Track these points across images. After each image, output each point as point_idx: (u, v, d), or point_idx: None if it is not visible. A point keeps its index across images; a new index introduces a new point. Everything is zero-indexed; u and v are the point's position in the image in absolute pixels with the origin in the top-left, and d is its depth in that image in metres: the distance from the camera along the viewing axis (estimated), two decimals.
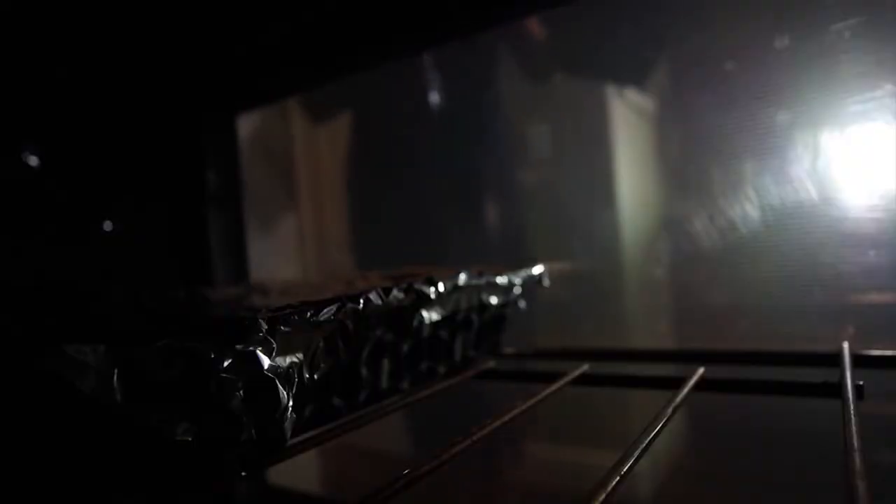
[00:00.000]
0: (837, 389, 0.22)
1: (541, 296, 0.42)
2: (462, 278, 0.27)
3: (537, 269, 0.34)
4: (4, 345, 0.19)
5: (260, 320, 0.17)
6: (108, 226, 0.49)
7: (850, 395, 0.21)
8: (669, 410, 0.21)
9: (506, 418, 0.22)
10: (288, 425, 0.17)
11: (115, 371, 0.15)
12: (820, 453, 0.33)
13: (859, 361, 0.25)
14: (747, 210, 0.41)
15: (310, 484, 0.61)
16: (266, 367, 0.16)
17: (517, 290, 0.32)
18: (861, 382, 0.23)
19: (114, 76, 0.49)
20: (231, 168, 0.61)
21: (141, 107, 0.52)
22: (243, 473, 0.16)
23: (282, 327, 0.17)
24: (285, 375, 0.17)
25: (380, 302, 0.22)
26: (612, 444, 0.46)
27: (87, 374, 0.16)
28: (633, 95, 0.52)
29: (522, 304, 0.35)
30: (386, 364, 0.25)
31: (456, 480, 0.50)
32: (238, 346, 0.16)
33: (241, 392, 0.16)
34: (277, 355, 0.17)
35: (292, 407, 0.17)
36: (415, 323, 0.25)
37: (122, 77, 0.49)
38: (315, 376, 0.19)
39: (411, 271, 0.34)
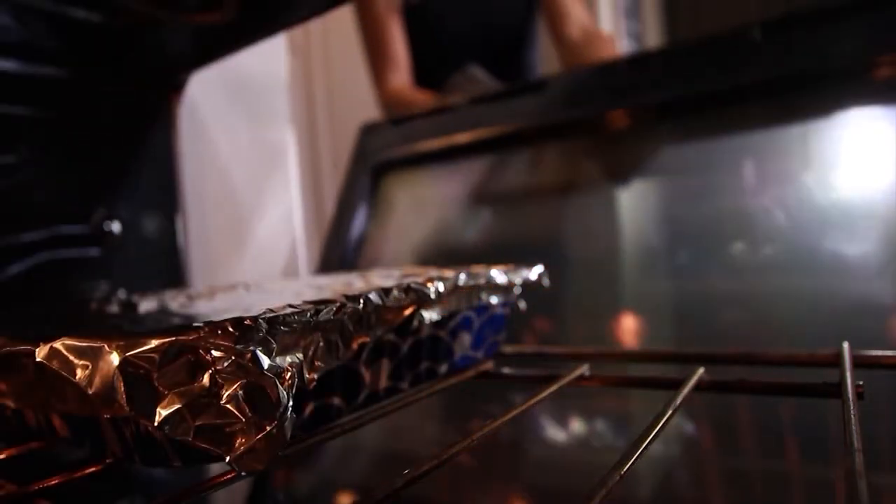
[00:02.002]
0: (837, 390, 0.22)
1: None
2: (462, 278, 0.27)
3: (537, 270, 0.34)
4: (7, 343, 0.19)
5: (260, 320, 0.17)
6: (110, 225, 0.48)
7: (850, 395, 0.21)
8: (669, 411, 0.21)
9: (505, 418, 0.22)
10: (288, 425, 0.17)
11: (115, 371, 0.15)
12: (820, 453, 0.33)
13: (860, 362, 0.25)
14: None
15: (310, 484, 0.61)
16: (266, 367, 0.16)
17: (517, 290, 0.32)
18: (861, 383, 0.23)
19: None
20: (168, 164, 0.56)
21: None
22: (243, 473, 0.16)
23: (282, 327, 0.17)
24: (284, 375, 0.17)
25: (380, 302, 0.22)
26: (611, 444, 0.46)
27: (88, 374, 0.16)
28: None
29: (522, 304, 0.35)
30: (386, 364, 0.25)
31: (455, 481, 0.50)
32: (238, 346, 0.16)
33: (241, 392, 0.16)
34: (277, 355, 0.17)
35: (292, 407, 0.17)
36: (415, 323, 0.25)
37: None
38: (315, 376, 0.19)
39: (411, 271, 0.34)
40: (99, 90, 0.48)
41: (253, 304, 0.29)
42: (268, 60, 0.74)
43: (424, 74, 0.87)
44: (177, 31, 0.46)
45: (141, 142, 0.53)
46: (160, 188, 0.55)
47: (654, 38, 2.35)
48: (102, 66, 0.48)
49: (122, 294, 0.36)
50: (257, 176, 0.72)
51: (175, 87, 0.55)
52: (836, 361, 0.25)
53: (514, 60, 0.94)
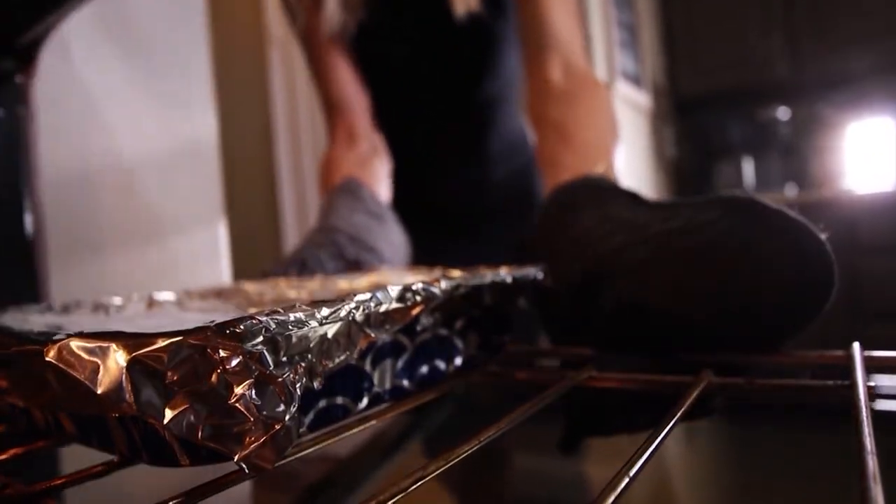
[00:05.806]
0: (849, 391, 0.22)
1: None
2: (468, 278, 0.27)
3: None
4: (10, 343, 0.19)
5: (268, 320, 0.17)
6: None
7: (861, 397, 0.21)
8: (677, 414, 0.21)
9: (510, 421, 0.22)
10: (295, 425, 0.17)
11: (124, 370, 0.15)
12: (832, 456, 0.32)
13: (871, 362, 0.25)
14: None
15: (314, 484, 0.61)
16: (273, 366, 0.16)
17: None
18: (873, 384, 0.22)
19: None
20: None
21: None
22: (247, 473, 0.16)
23: (289, 327, 0.17)
24: (291, 375, 0.17)
25: (387, 302, 0.22)
26: (617, 448, 0.46)
27: (96, 374, 0.16)
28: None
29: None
30: (392, 364, 0.25)
31: (459, 483, 0.50)
32: (245, 346, 0.16)
33: (249, 391, 0.16)
34: (284, 355, 0.17)
35: (298, 407, 0.17)
36: (421, 323, 0.25)
37: None
38: (320, 376, 0.19)
39: (417, 271, 0.34)
40: None
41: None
42: (181, 29, 0.61)
43: (378, 114, 0.70)
44: None
45: None
46: (4, 185, 0.45)
47: (647, 28, 2.33)
48: None
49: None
50: (168, 171, 0.60)
51: (21, 60, 0.44)
52: (847, 363, 0.25)
53: (477, 91, 0.74)
